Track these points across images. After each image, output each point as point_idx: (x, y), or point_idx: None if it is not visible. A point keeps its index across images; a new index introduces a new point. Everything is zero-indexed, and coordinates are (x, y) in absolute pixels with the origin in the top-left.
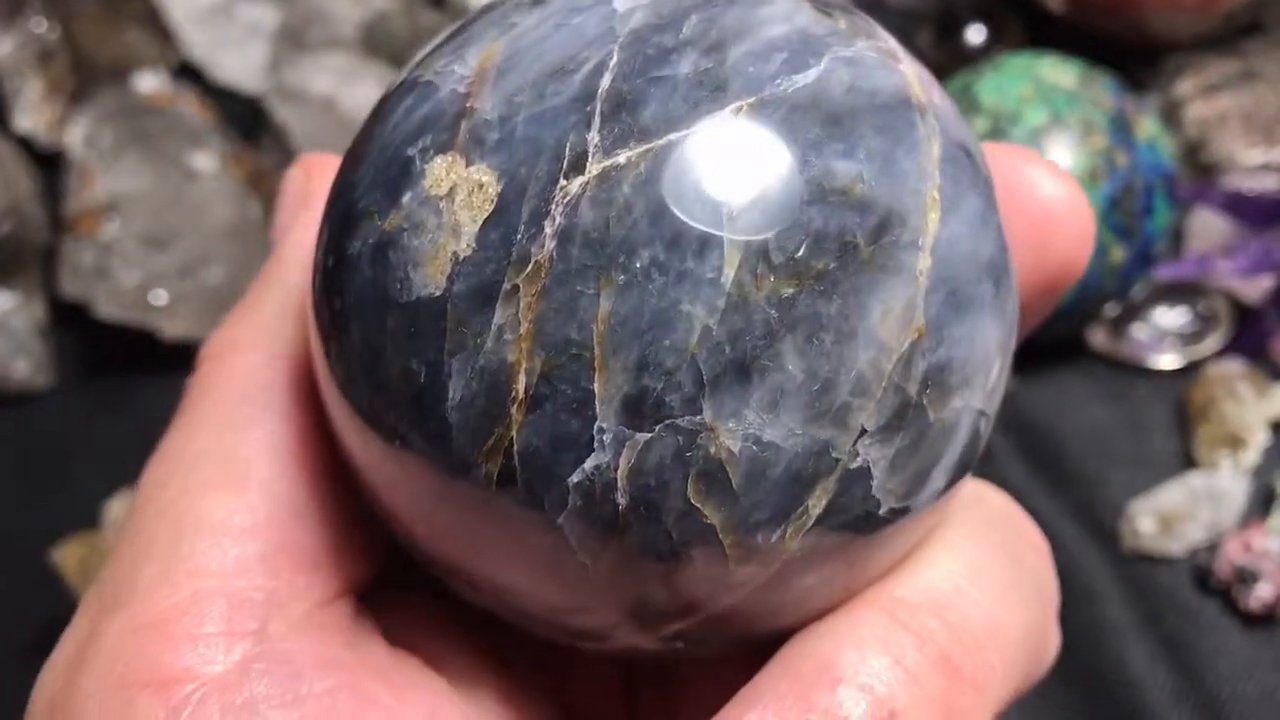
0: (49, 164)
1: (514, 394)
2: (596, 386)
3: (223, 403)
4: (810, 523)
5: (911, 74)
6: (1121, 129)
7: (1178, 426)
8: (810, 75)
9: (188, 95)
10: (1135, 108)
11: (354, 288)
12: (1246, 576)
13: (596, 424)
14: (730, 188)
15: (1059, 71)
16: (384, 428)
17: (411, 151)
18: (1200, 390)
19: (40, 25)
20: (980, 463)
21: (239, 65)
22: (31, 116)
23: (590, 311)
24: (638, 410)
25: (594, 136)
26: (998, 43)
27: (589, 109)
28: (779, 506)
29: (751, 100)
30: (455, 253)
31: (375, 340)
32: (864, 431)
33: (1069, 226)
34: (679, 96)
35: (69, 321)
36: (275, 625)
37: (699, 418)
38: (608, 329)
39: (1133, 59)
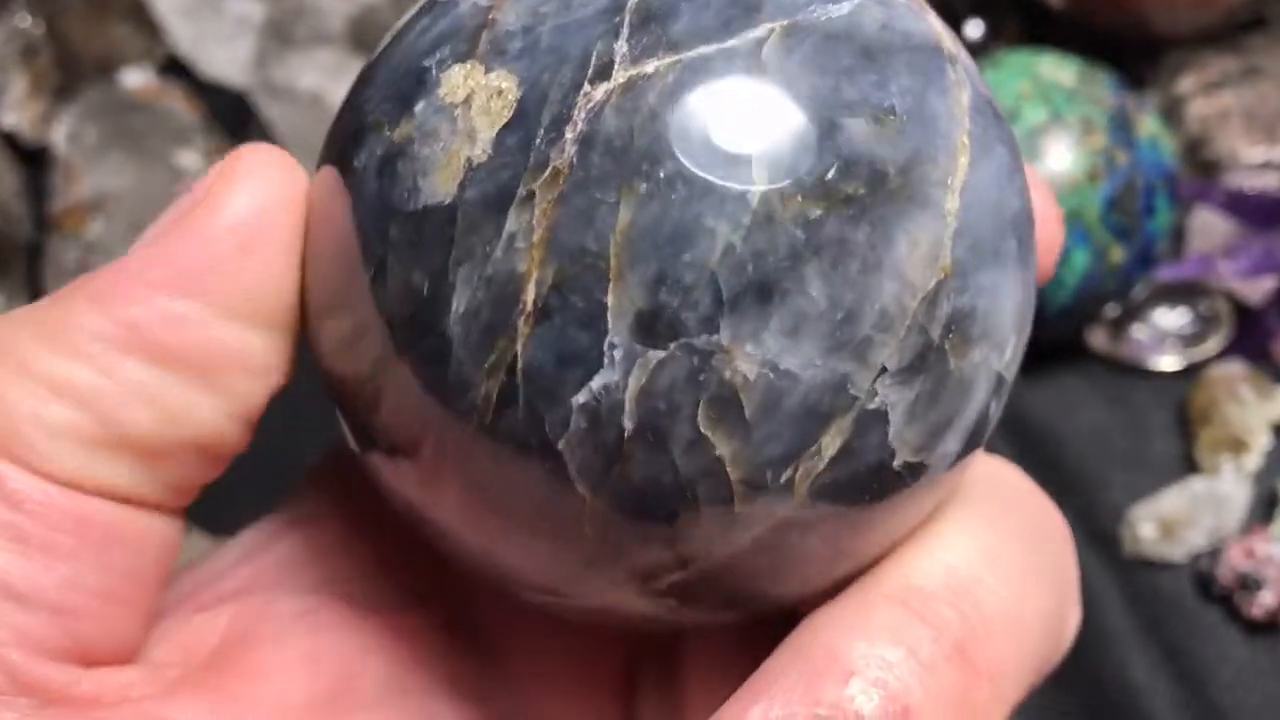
0: (33, 161)
1: (522, 305)
2: (610, 299)
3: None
4: (822, 465)
5: (940, 27)
6: (1122, 127)
7: (1179, 429)
8: (844, 8)
9: (174, 91)
10: (1136, 106)
11: (358, 201)
12: (1249, 583)
13: (608, 339)
14: (760, 107)
15: (1058, 69)
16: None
17: (428, 63)
18: (1201, 392)
19: (25, 20)
20: None
21: (227, 60)
22: (15, 113)
23: (608, 221)
24: (652, 327)
25: (621, 46)
26: (996, 38)
27: (617, 20)
28: (792, 443)
29: (785, 23)
30: (469, 158)
31: (376, 253)
32: (884, 370)
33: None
34: (711, 13)
35: None
36: None
37: (715, 338)
38: (626, 240)
39: (1132, 55)
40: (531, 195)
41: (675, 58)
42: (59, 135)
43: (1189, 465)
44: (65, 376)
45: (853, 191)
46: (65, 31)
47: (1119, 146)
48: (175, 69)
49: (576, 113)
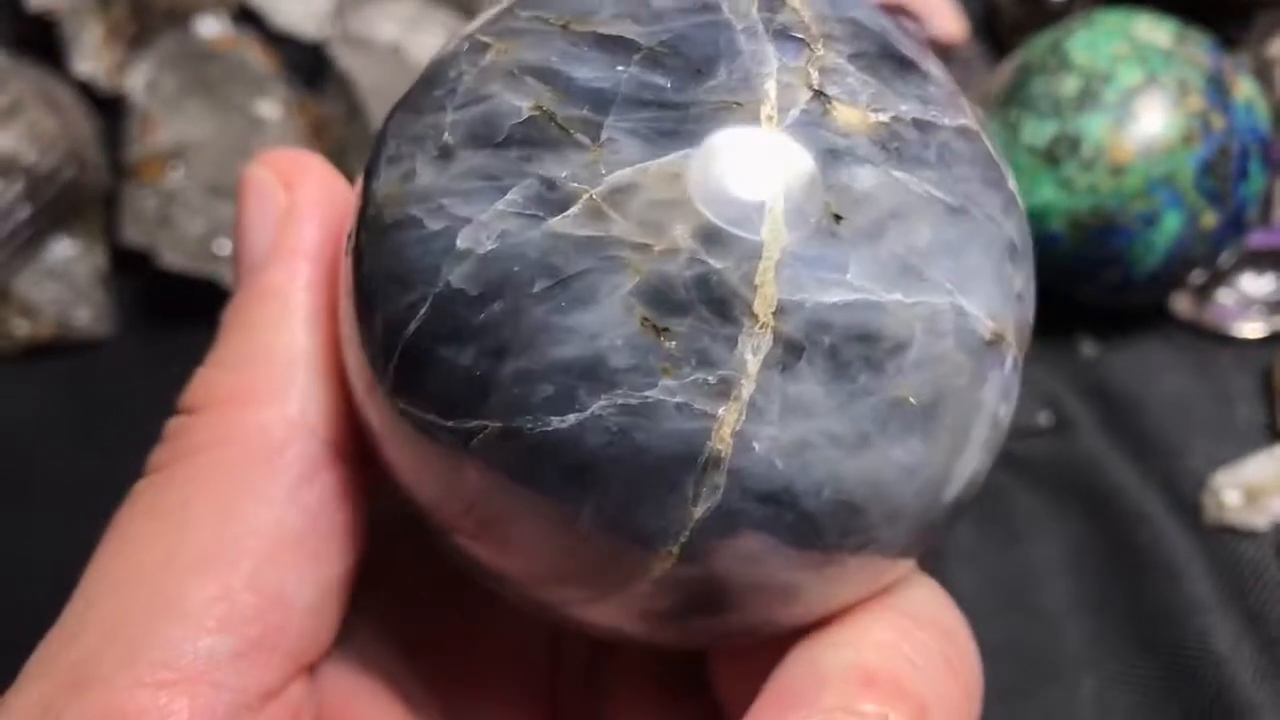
0: (109, 109)
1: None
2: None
3: (226, 468)
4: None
5: None
6: (1219, 90)
7: (1263, 396)
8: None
9: (249, 40)
10: (1232, 68)
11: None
12: None
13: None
14: None
15: (1154, 29)
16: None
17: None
18: None
19: None
20: (1060, 432)
21: (299, 10)
22: (91, 61)
23: None
24: None
25: None
26: None
27: None
28: None
29: None
30: None
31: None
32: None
33: None
34: None
35: (130, 269)
36: None
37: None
38: None
39: (1223, 15)
40: None
41: None
42: (135, 84)
43: (1273, 433)
44: None
45: None
46: None
47: (1215, 109)
48: (247, 18)
49: None
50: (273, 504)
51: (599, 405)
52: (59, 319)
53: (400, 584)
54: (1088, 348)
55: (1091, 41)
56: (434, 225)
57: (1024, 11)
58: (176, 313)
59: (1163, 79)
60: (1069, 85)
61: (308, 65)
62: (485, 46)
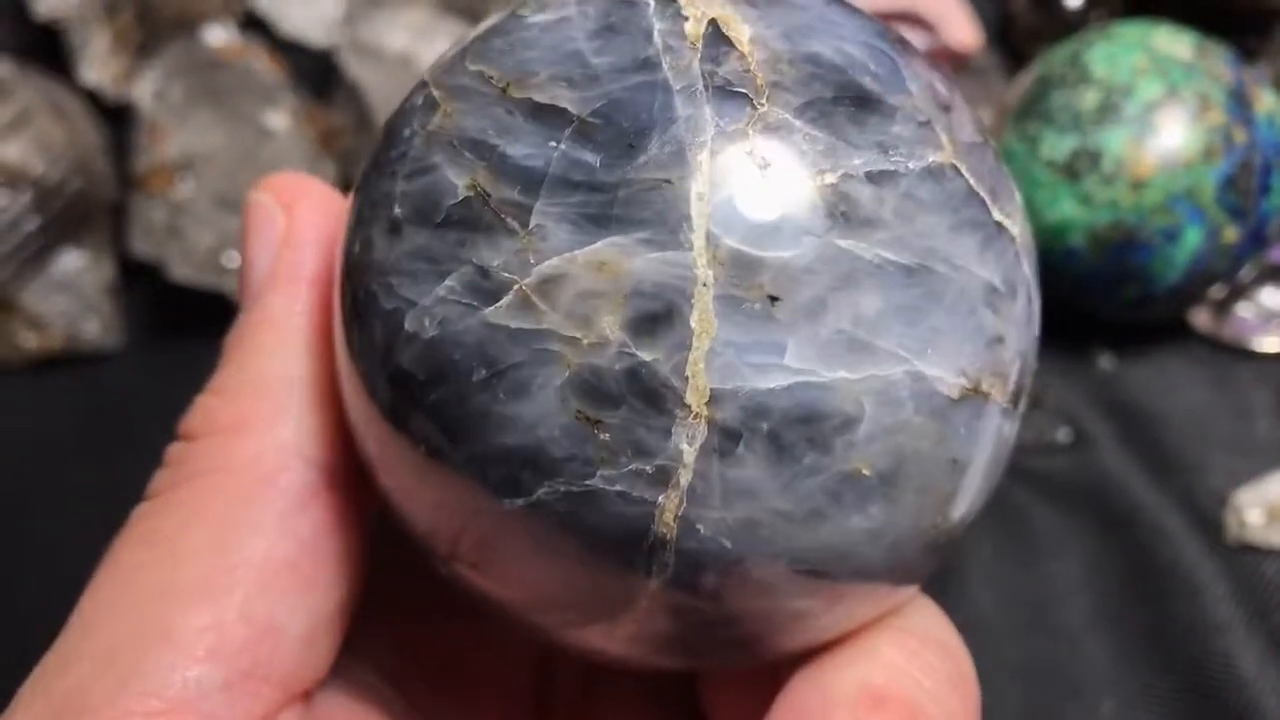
0: (116, 119)
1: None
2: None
3: (220, 497)
4: None
5: None
6: (1240, 103)
7: None
8: None
9: (257, 49)
10: (1254, 80)
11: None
12: None
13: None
14: None
15: (1174, 41)
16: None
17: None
18: None
19: None
20: (1079, 448)
21: (306, 18)
22: (98, 70)
23: None
24: None
25: None
26: (1096, 7)
27: None
28: None
29: None
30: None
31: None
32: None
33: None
34: None
35: (139, 281)
36: None
37: None
38: None
39: (1242, 27)
40: None
41: None
42: (143, 93)
43: None
44: None
45: None
46: None
47: (1237, 123)
48: (254, 26)
49: None
50: (265, 533)
51: (544, 491)
52: (67, 331)
53: (395, 610)
54: (1106, 362)
55: (1111, 54)
56: (387, 304)
57: (1040, 20)
58: (185, 325)
59: (1183, 92)
60: (1089, 99)
61: (316, 74)
62: (435, 105)
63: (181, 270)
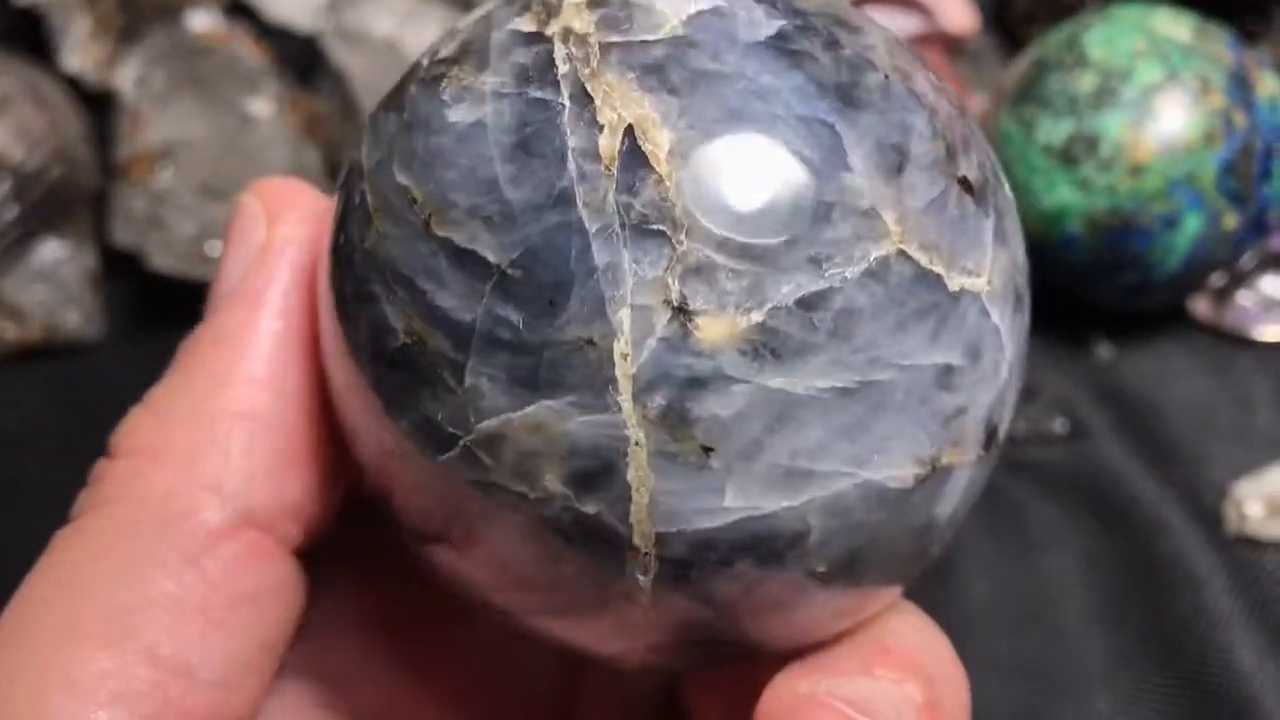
0: (98, 106)
1: None
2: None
3: (128, 529)
4: None
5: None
6: (1241, 87)
7: None
8: None
9: (241, 34)
10: (1255, 64)
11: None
12: None
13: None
14: None
15: (1173, 24)
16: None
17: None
18: None
19: None
20: (1075, 439)
21: (292, 3)
22: (79, 56)
23: None
24: None
25: None
26: None
27: None
28: None
29: None
30: None
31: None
32: None
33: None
34: None
35: (120, 271)
36: None
37: None
38: None
39: (1241, 9)
40: None
41: None
42: (124, 80)
43: None
44: None
45: None
46: None
47: (1238, 107)
48: (239, 11)
49: None
50: (169, 573)
51: (527, 606)
52: (47, 322)
53: (338, 642)
54: (1103, 351)
55: (1109, 37)
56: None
57: (1037, 2)
58: (167, 316)
59: (1183, 76)
60: (1086, 82)
61: (301, 60)
62: (368, 217)
63: (163, 260)
